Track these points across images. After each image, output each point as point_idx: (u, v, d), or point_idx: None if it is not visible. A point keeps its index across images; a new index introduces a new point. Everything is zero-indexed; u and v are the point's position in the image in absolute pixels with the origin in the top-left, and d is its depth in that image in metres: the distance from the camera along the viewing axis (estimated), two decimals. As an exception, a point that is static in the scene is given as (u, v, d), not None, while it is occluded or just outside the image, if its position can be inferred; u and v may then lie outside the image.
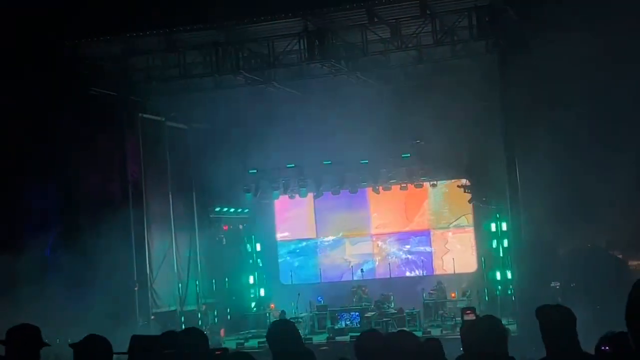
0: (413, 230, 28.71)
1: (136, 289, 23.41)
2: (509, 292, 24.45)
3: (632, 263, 24.81)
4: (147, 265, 24.06)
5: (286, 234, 29.89)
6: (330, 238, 29.41)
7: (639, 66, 19.35)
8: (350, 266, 28.68)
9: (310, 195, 28.25)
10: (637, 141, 20.38)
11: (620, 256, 24.51)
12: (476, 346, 5.56)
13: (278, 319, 24.49)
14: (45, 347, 6.04)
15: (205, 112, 25.69)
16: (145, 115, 24.71)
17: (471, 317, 19.70)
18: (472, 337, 5.66)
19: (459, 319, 21.39)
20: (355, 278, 28.09)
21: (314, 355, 6.72)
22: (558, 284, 22.76)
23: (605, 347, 5.75)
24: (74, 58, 22.07)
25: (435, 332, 22.74)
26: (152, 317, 23.84)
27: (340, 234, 29.30)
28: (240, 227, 28.90)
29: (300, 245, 29.69)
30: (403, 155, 26.33)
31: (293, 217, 29.73)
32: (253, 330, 25.60)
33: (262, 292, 28.70)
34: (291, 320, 24.72)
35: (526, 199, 21.52)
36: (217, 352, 6.52)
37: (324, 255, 29.44)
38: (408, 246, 28.68)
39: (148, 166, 24.52)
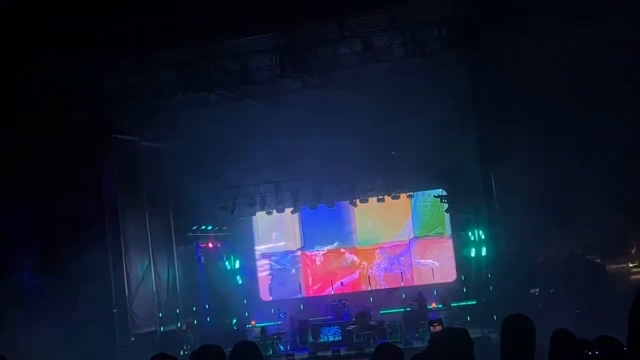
0: (392, 241, 28.73)
1: (115, 310, 23.25)
2: (490, 299, 24.49)
3: (610, 267, 24.93)
4: (126, 287, 23.90)
5: (265, 247, 29.83)
6: (311, 251, 29.37)
7: (614, 74, 19.48)
8: (331, 280, 28.64)
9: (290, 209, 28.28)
10: (613, 148, 20.50)
11: (598, 261, 24.62)
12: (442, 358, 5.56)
13: (259, 337, 24.46)
14: None
15: (180, 130, 25.62)
16: (119, 136, 24.60)
17: (438, 329, 19.83)
18: (438, 350, 5.66)
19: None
20: (335, 291, 28.06)
21: None
22: (537, 290, 22.82)
23: (593, 352, 5.78)
24: (46, 79, 21.93)
25: (418, 344, 22.73)
26: (132, 338, 23.67)
27: (320, 247, 29.27)
28: (219, 245, 28.81)
29: (280, 260, 29.63)
30: (379, 169, 26.38)
31: (273, 231, 29.69)
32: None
33: (242, 309, 28.58)
34: (272, 336, 24.87)
35: (503, 207, 21.61)
36: None
37: (303, 270, 29.39)
38: (388, 257, 28.69)
39: (123, 187, 24.39)
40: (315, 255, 29.34)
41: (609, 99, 20.14)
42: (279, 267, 29.57)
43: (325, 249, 29.23)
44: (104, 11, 19.55)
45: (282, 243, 29.62)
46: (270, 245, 29.78)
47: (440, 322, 21.51)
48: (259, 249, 29.84)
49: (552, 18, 18.72)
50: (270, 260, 29.71)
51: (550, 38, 18.91)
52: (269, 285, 29.25)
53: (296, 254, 29.51)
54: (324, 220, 28.73)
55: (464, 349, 5.47)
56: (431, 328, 20.56)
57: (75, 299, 20.48)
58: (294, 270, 29.43)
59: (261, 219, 29.24)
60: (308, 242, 29.39)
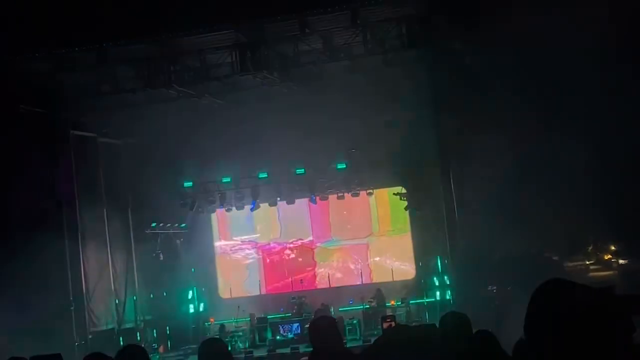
0: (352, 238, 28.76)
1: (72, 308, 23.05)
2: (447, 297, 24.65)
3: (568, 265, 25.19)
4: (83, 284, 23.71)
5: (225, 244, 29.75)
6: (270, 246, 29.33)
7: (573, 71, 19.60)
8: (290, 277, 28.61)
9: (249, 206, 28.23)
10: (570, 147, 20.68)
11: (555, 258, 24.86)
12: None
13: (217, 335, 24.36)
14: None
15: (139, 126, 25.43)
16: (77, 132, 24.37)
17: (391, 325, 19.92)
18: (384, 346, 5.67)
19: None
20: (295, 288, 28.04)
21: None
22: (495, 288, 22.99)
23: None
24: (2, 75, 21.67)
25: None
26: (90, 336, 23.49)
27: (281, 243, 29.25)
28: (178, 242, 28.64)
29: (240, 256, 29.55)
30: (338, 166, 26.39)
31: (234, 228, 29.63)
32: (193, 346, 25.29)
33: (201, 306, 28.46)
34: (232, 333, 24.79)
35: (461, 204, 21.74)
36: None
37: (263, 266, 29.34)
38: (347, 255, 28.73)
39: (81, 183, 24.16)
40: (275, 250, 29.29)
41: (569, 98, 20.34)
42: (239, 263, 29.48)
43: (286, 245, 29.20)
44: (60, 5, 19.35)
45: (246, 237, 29.53)
46: (230, 242, 29.70)
47: (393, 318, 21.60)
48: (219, 245, 29.73)
49: (507, 10, 18.78)
50: (229, 257, 29.61)
51: (507, 32, 18.98)
52: (228, 282, 29.15)
53: (255, 250, 29.44)
54: (280, 217, 28.74)
55: (408, 344, 5.50)
56: (384, 324, 20.61)
57: (30, 298, 20.26)
58: (253, 267, 29.36)
59: (224, 215, 29.15)
60: (267, 237, 29.35)
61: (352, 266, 28.57)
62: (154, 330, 26.31)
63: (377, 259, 28.46)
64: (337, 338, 6.66)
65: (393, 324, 19.98)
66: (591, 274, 24.09)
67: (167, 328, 26.95)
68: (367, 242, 28.70)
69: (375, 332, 24.55)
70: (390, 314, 23.11)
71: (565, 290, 3.04)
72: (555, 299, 3.02)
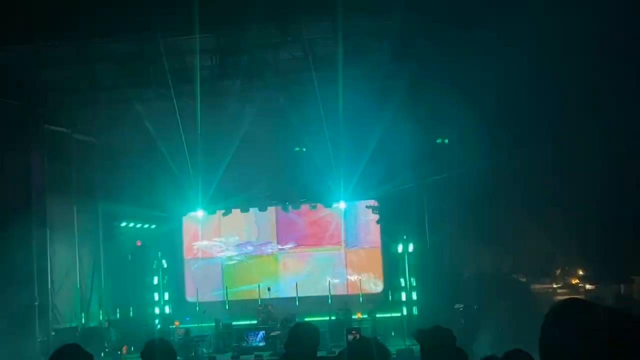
0: (321, 248, 28.73)
1: (36, 303, 22.84)
2: (414, 312, 24.67)
3: (535, 287, 25.32)
4: (49, 280, 23.50)
5: (195, 249, 29.64)
6: (237, 254, 29.26)
7: (556, 93, 19.75)
8: (258, 284, 28.51)
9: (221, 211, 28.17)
10: (543, 170, 20.83)
11: (523, 280, 24.99)
12: None
13: (180, 338, 24.23)
14: None
15: (114, 124, 25.30)
16: (51, 127, 24.20)
17: (356, 337, 19.93)
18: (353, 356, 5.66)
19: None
20: (262, 296, 27.95)
21: None
22: (462, 306, 23.06)
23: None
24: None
25: (341, 352, 22.71)
26: (53, 333, 23.28)
27: (250, 250, 29.18)
28: (147, 243, 28.45)
29: (208, 261, 29.45)
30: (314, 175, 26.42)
31: (202, 234, 29.52)
32: (157, 348, 25.16)
33: (167, 309, 28.29)
34: (196, 338, 24.66)
35: (433, 221, 21.81)
36: None
37: (229, 273, 29.24)
38: (316, 265, 28.71)
39: (52, 178, 23.99)
40: (241, 258, 29.22)
41: (550, 120, 20.48)
42: (207, 267, 29.38)
43: (255, 252, 29.15)
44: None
45: (209, 246, 29.43)
46: (201, 243, 29.59)
47: (358, 330, 21.60)
48: (189, 248, 29.61)
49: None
50: (197, 261, 29.51)
51: (491, 47, 19.09)
52: (195, 287, 29.01)
53: (224, 254, 29.36)
54: (247, 223, 28.74)
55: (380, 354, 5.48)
56: (349, 336, 20.60)
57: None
58: (219, 272, 29.26)
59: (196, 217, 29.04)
60: (234, 242, 29.28)
61: (321, 277, 28.52)
62: (118, 331, 26.09)
63: (346, 271, 28.44)
64: (314, 347, 6.61)
65: (358, 336, 19.98)
66: (558, 297, 24.21)
67: (131, 329, 26.71)
68: (336, 253, 28.69)
69: (341, 344, 24.52)
70: (356, 326, 23.10)
71: (591, 313, 2.94)
72: (582, 322, 2.91)
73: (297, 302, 27.38)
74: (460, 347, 6.08)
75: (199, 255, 29.59)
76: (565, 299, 3.04)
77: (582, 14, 17.25)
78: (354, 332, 20.86)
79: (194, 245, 29.65)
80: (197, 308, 27.37)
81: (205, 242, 29.60)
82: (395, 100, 21.98)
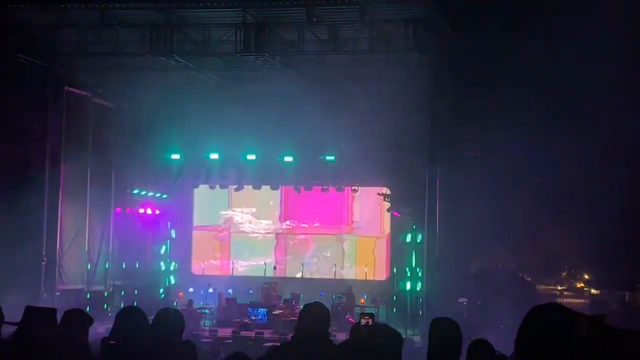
0: (329, 233, 28.75)
1: (44, 262, 22.96)
2: (418, 303, 24.64)
3: (540, 287, 25.30)
4: (58, 240, 23.59)
5: (203, 223, 29.70)
6: (246, 230, 29.32)
7: (574, 85, 19.61)
8: (264, 262, 28.59)
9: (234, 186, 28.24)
10: (555, 169, 20.72)
11: (529, 279, 24.96)
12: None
13: (184, 309, 24.34)
14: None
15: (134, 92, 25.35)
16: (71, 89, 24.25)
17: (368, 322, 19.89)
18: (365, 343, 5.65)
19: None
20: (268, 274, 28.02)
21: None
22: (465, 300, 23.05)
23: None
24: (4, 23, 21.53)
25: (341, 337, 22.72)
26: (58, 293, 23.39)
27: (259, 227, 29.23)
28: (157, 212, 28.54)
29: (217, 235, 29.53)
30: (327, 158, 26.41)
31: (212, 208, 29.57)
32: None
33: (172, 279, 28.42)
34: (198, 309, 24.75)
35: (444, 213, 21.75)
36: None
37: (237, 249, 29.29)
38: (323, 247, 28.73)
39: (69, 140, 24.04)
40: (251, 235, 29.28)
41: (561, 114, 20.37)
42: (215, 241, 29.44)
43: (263, 230, 29.19)
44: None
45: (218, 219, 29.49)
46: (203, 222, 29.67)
47: (372, 316, 21.55)
48: (197, 220, 29.67)
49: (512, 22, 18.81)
50: (206, 234, 29.56)
51: (511, 41, 18.99)
52: (202, 259, 29.09)
53: (231, 230, 29.41)
54: (257, 201, 28.82)
55: (393, 348, 5.48)
56: (362, 320, 20.60)
57: (3, 245, 20.11)
58: (227, 247, 29.33)
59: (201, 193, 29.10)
60: (246, 220, 29.33)
61: (327, 260, 28.55)
62: (122, 296, 26.16)
63: (353, 256, 28.46)
64: (326, 331, 6.55)
65: (370, 322, 19.98)
66: (562, 299, 24.16)
67: (136, 295, 26.82)
68: (345, 239, 28.69)
69: (342, 328, 24.51)
70: (371, 312, 23.00)
71: (562, 317, 2.99)
72: (552, 325, 2.97)
73: (302, 283, 27.42)
74: (483, 339, 6.08)
75: (210, 227, 29.57)
76: (545, 304, 3.10)
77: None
78: (367, 317, 20.81)
79: (202, 218, 29.65)
80: (202, 281, 27.45)
81: (224, 212, 29.51)
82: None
